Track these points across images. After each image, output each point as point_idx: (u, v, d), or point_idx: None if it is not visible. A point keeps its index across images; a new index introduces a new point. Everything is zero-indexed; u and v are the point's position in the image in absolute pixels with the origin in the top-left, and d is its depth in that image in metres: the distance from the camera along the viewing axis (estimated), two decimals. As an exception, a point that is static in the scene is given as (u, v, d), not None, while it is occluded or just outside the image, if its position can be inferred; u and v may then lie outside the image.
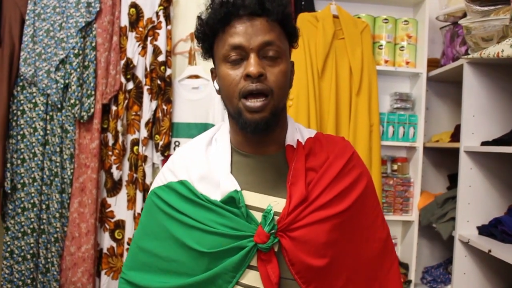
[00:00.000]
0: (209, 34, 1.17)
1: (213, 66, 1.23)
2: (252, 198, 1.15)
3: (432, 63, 2.95)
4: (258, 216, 1.13)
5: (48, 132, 2.58)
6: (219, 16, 1.12)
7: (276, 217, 1.12)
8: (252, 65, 1.09)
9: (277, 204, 1.14)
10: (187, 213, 1.17)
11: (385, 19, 2.96)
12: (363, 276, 1.22)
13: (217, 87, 1.21)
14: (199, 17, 1.19)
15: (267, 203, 1.13)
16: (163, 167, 1.30)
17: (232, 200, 1.13)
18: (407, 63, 2.97)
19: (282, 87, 1.14)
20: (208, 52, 1.21)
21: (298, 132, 1.27)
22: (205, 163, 1.20)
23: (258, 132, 1.14)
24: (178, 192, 1.20)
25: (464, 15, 2.44)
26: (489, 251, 2.13)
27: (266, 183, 1.18)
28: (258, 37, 1.11)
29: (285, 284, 1.11)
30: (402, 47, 2.97)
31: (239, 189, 1.14)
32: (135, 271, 1.26)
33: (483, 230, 2.36)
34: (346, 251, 1.18)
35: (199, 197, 1.16)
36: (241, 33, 1.11)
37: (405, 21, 2.97)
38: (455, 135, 2.72)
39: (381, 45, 2.97)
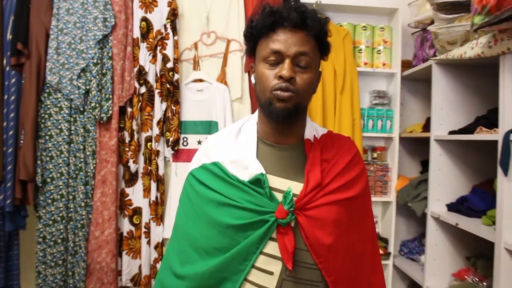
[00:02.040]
0: (255, 36, 1.24)
1: (252, 64, 1.30)
2: (274, 181, 1.22)
3: (405, 64, 2.99)
4: (279, 196, 1.19)
5: (72, 132, 2.61)
6: (267, 23, 1.19)
7: (294, 198, 1.18)
8: (286, 69, 1.16)
9: (295, 187, 1.21)
10: (218, 190, 1.22)
11: (364, 26, 3.01)
12: (358, 257, 1.28)
13: (253, 81, 1.28)
14: (250, 20, 1.25)
15: (286, 186, 1.20)
16: (197, 152, 1.36)
17: (258, 181, 1.20)
18: (384, 64, 3.01)
19: (306, 91, 1.21)
20: (252, 50, 1.28)
21: (314, 129, 1.33)
22: (235, 149, 1.27)
23: (281, 120, 1.21)
24: (212, 171, 1.26)
25: (432, 22, 2.50)
26: (457, 224, 2.21)
27: (286, 169, 1.25)
28: (295, 47, 1.17)
29: (299, 254, 1.17)
30: (379, 50, 3.02)
31: (264, 172, 1.20)
32: (177, 258, 1.30)
33: (451, 207, 2.43)
34: (348, 233, 1.24)
35: (230, 176, 1.23)
36: (282, 41, 1.18)
37: (381, 28, 3.02)
38: (426, 126, 2.77)
39: (361, 49, 3.01)
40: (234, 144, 1.29)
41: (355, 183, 1.29)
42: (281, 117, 1.21)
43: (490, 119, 2.22)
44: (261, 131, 1.30)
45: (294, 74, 1.17)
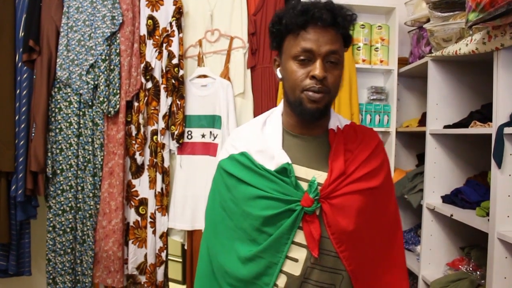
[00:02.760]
0: (283, 32, 1.21)
1: (277, 57, 1.27)
2: (299, 170, 1.20)
3: (402, 61, 2.97)
4: (304, 185, 1.18)
5: (81, 125, 2.61)
6: (299, 22, 1.15)
7: (319, 187, 1.17)
8: (318, 69, 1.13)
9: (320, 176, 1.19)
10: (246, 180, 1.22)
11: (362, 25, 2.99)
12: (381, 244, 1.27)
13: (280, 76, 1.25)
14: (277, 16, 1.22)
15: (311, 175, 1.19)
16: (225, 143, 1.36)
17: (284, 171, 1.18)
18: (381, 61, 2.99)
19: (336, 87, 1.20)
20: (277, 45, 1.25)
21: (338, 120, 1.31)
22: (261, 140, 1.26)
23: (313, 120, 1.21)
24: (239, 161, 1.25)
25: (428, 20, 2.48)
26: (451, 215, 2.19)
27: (311, 159, 1.23)
28: (326, 45, 1.14)
29: (324, 242, 1.16)
30: (377, 48, 3.00)
31: (290, 162, 1.19)
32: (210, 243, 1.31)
33: (446, 199, 2.41)
34: (370, 222, 1.23)
35: (257, 166, 1.22)
36: (314, 40, 1.14)
37: (379, 26, 3.00)
38: (422, 121, 2.75)
39: (359, 47, 2.99)
40: (260, 135, 1.28)
41: (378, 173, 1.27)
42: (313, 118, 1.20)
43: (484, 114, 2.20)
44: (286, 123, 1.29)
45: (326, 74, 1.15)
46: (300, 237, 1.17)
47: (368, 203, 1.21)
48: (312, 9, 1.15)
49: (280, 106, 1.33)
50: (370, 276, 1.23)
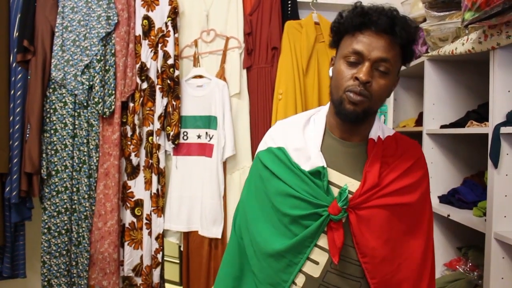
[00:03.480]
0: (341, 31, 1.20)
1: (334, 56, 1.26)
2: (333, 175, 1.18)
3: (399, 61, 2.96)
4: (335, 191, 1.16)
5: (76, 126, 2.59)
6: (355, 23, 1.14)
7: (349, 195, 1.15)
8: (364, 72, 1.11)
9: (352, 185, 1.17)
10: (279, 176, 1.21)
11: (358, 24, 2.98)
12: (405, 265, 1.21)
13: (331, 74, 1.23)
14: (340, 14, 1.21)
15: (344, 182, 1.17)
16: (265, 135, 1.35)
17: (317, 173, 1.17)
18: (378, 61, 2.98)
19: (380, 97, 1.17)
20: (336, 43, 1.24)
21: (380, 130, 1.28)
22: (301, 138, 1.24)
23: (348, 121, 1.18)
24: (276, 155, 1.25)
25: (424, 20, 2.47)
26: (448, 215, 2.17)
27: (346, 165, 1.21)
28: (378, 51, 1.12)
29: (346, 249, 1.15)
30: (373, 48, 2.98)
31: (325, 166, 1.17)
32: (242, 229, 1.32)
33: (443, 199, 2.40)
34: (400, 241, 1.19)
35: (292, 163, 1.20)
36: (366, 43, 1.13)
37: (375, 26, 2.98)
38: (419, 121, 2.74)
39: (356, 47, 2.98)
40: (301, 132, 1.26)
41: (414, 189, 1.23)
42: (348, 119, 1.18)
43: (480, 114, 2.19)
44: (329, 123, 1.27)
45: (371, 79, 1.12)
46: (323, 241, 1.17)
47: (397, 218, 1.19)
48: (371, 13, 1.14)
49: (327, 105, 1.31)
50: None
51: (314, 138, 1.24)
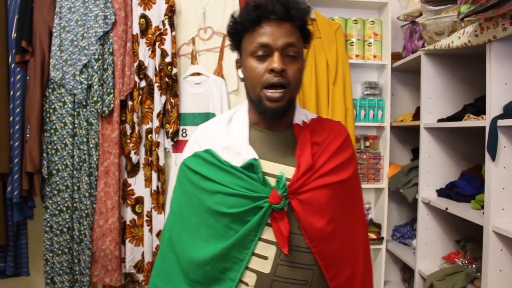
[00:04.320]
0: (240, 31, 1.19)
1: (238, 58, 1.25)
2: (266, 166, 1.16)
3: (395, 56, 2.94)
4: (271, 181, 1.14)
5: (76, 125, 2.56)
6: (252, 17, 1.14)
7: (287, 182, 1.13)
8: (276, 62, 1.11)
9: (288, 171, 1.15)
10: (211, 177, 1.17)
11: (355, 20, 2.95)
12: (350, 240, 1.24)
13: (242, 76, 1.22)
14: (232, 16, 1.21)
15: (279, 170, 1.15)
16: (189, 141, 1.31)
17: (250, 167, 1.14)
18: (374, 56, 2.96)
19: (297, 81, 1.17)
20: (237, 45, 1.23)
21: (303, 114, 1.28)
22: (227, 136, 1.22)
23: (276, 118, 1.17)
24: (204, 158, 1.20)
25: (420, 14, 2.44)
26: (446, 209, 2.17)
27: (278, 154, 1.20)
28: (283, 38, 1.12)
29: (293, 238, 1.13)
30: (370, 43, 2.96)
31: (257, 157, 1.15)
32: (171, 245, 1.25)
33: (441, 192, 2.39)
34: (341, 216, 1.20)
35: (222, 162, 1.17)
36: (269, 34, 1.13)
37: (372, 21, 2.96)
38: (416, 115, 2.72)
39: (352, 42, 2.95)
40: (226, 131, 1.23)
41: (347, 166, 1.24)
42: (275, 116, 1.17)
43: (477, 107, 2.17)
44: (252, 119, 1.25)
45: (285, 66, 1.12)
46: (268, 234, 1.13)
47: (337, 196, 1.19)
48: (265, 4, 1.14)
49: (246, 103, 1.29)
50: (341, 269, 1.20)
51: (240, 133, 1.21)
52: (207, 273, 1.16)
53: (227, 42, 2.61)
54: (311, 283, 1.15)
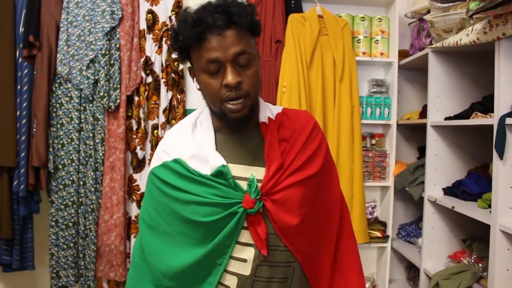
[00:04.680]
0: (185, 48, 1.12)
1: (190, 66, 1.18)
2: (236, 169, 1.13)
3: (402, 54, 2.91)
4: (243, 184, 1.11)
5: (82, 120, 2.56)
6: (195, 36, 1.06)
7: (259, 184, 1.11)
8: (230, 76, 1.06)
9: (259, 173, 1.13)
10: (182, 188, 1.13)
11: (362, 17, 2.93)
12: (322, 233, 1.22)
13: (198, 86, 1.16)
14: (174, 30, 1.12)
15: (249, 173, 1.12)
16: (157, 149, 1.25)
17: (220, 173, 1.11)
18: (381, 54, 2.94)
19: (255, 86, 1.12)
20: (185, 57, 1.16)
21: (268, 110, 1.24)
22: (194, 143, 1.17)
23: (241, 126, 1.15)
24: (173, 169, 1.15)
25: (428, 12, 2.42)
26: (453, 207, 2.15)
27: (246, 156, 1.16)
28: (232, 48, 1.06)
29: (270, 238, 1.11)
30: (377, 40, 2.94)
31: (225, 163, 1.11)
32: (148, 252, 1.20)
33: (448, 191, 2.37)
34: (314, 210, 1.18)
35: (192, 172, 1.12)
36: (216, 47, 1.06)
37: (379, 18, 2.94)
38: (423, 113, 2.70)
39: (359, 39, 2.93)
40: (191, 138, 1.18)
41: (315, 157, 1.20)
42: (241, 124, 1.14)
43: (485, 105, 2.15)
44: (216, 124, 1.20)
45: (239, 78, 1.07)
46: (246, 236, 1.11)
47: (310, 191, 1.17)
48: (204, 17, 1.05)
49: (207, 107, 1.23)
50: (321, 264, 1.20)
51: (206, 139, 1.17)
52: (185, 279, 1.14)
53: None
54: (292, 278, 1.15)
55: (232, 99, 1.08)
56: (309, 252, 1.17)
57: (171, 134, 1.24)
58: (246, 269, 1.11)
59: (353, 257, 1.30)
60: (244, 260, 1.11)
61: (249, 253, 1.11)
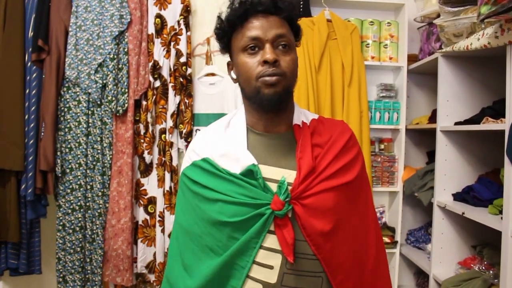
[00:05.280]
0: (228, 31, 1.16)
1: (229, 60, 1.21)
2: (266, 171, 1.11)
3: (412, 58, 2.90)
4: (273, 186, 1.09)
5: (90, 124, 2.56)
6: (239, 13, 1.11)
7: (289, 187, 1.08)
8: (268, 53, 1.08)
9: (290, 175, 1.11)
10: (210, 186, 1.13)
11: (371, 21, 2.92)
12: (359, 244, 1.18)
13: (234, 76, 1.19)
14: (218, 17, 1.18)
15: (280, 175, 1.10)
16: (187, 150, 1.26)
17: (250, 173, 1.10)
18: (390, 58, 2.92)
19: (292, 72, 1.13)
20: (226, 46, 1.20)
21: (303, 115, 1.24)
22: (225, 142, 1.17)
23: (272, 106, 1.12)
24: (202, 168, 1.16)
25: (438, 16, 2.40)
26: (463, 213, 2.13)
27: (278, 157, 1.15)
28: (272, 30, 1.10)
29: (298, 245, 1.08)
30: (386, 45, 2.92)
31: (256, 163, 1.10)
32: (178, 262, 1.21)
33: (457, 197, 2.34)
34: (348, 220, 1.15)
35: (221, 170, 1.12)
36: (258, 27, 1.10)
37: (388, 23, 2.93)
38: (432, 118, 2.68)
39: (368, 44, 2.92)
40: (223, 137, 1.19)
41: (352, 166, 1.18)
42: (272, 103, 1.11)
43: (496, 110, 2.13)
44: (250, 121, 1.20)
45: (277, 57, 1.09)
46: (272, 242, 1.08)
47: (343, 200, 1.14)
48: (252, 1, 1.12)
49: (242, 107, 1.24)
50: (349, 275, 1.15)
51: (237, 139, 1.17)
52: (212, 282, 1.13)
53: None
54: None
55: (268, 74, 1.09)
56: (339, 263, 1.12)
57: (202, 134, 1.26)
58: (272, 277, 1.08)
59: (385, 282, 1.27)
60: (271, 267, 1.08)
61: (275, 260, 1.08)
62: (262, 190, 1.09)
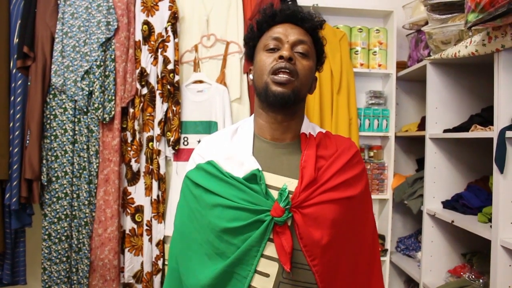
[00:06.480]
0: (256, 35, 1.22)
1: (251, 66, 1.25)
2: (270, 178, 1.12)
3: (400, 65, 2.90)
4: (274, 194, 1.09)
5: (76, 132, 2.53)
6: (268, 18, 1.19)
7: (290, 195, 1.08)
8: (285, 50, 1.12)
9: (291, 184, 1.10)
10: (212, 190, 1.12)
11: (360, 28, 2.92)
12: (354, 260, 1.17)
13: (252, 78, 1.22)
14: (250, 25, 1.25)
15: (282, 183, 1.10)
16: (193, 153, 1.27)
17: (253, 178, 1.10)
18: (379, 65, 2.92)
19: (305, 77, 1.15)
20: (251, 51, 1.24)
21: (311, 127, 1.24)
22: (230, 146, 1.18)
23: (278, 105, 1.13)
24: (206, 170, 1.16)
25: (426, 23, 2.40)
26: (452, 221, 2.11)
27: (282, 166, 1.15)
28: (295, 35, 1.16)
29: (296, 255, 1.07)
30: (375, 52, 2.92)
31: (260, 168, 1.11)
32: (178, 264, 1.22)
33: (447, 204, 2.33)
34: (345, 234, 1.14)
35: (224, 173, 1.13)
36: (282, 31, 1.17)
37: (377, 30, 2.93)
38: (421, 125, 2.67)
39: (357, 51, 2.92)
40: (229, 142, 1.20)
41: (356, 182, 1.18)
42: (279, 101, 1.11)
43: (484, 117, 2.12)
44: (258, 127, 1.21)
45: (293, 56, 1.12)
46: (271, 250, 1.07)
47: (344, 213, 1.12)
48: (281, 8, 1.21)
49: (253, 115, 1.27)
50: None
51: (244, 144, 1.18)
52: None
53: (230, 49, 2.62)
54: None
55: (281, 68, 1.11)
56: (332, 277, 1.10)
57: (209, 138, 1.27)
58: (268, 285, 1.07)
59: None
60: (267, 275, 1.07)
61: (272, 268, 1.07)
62: (263, 196, 1.09)
